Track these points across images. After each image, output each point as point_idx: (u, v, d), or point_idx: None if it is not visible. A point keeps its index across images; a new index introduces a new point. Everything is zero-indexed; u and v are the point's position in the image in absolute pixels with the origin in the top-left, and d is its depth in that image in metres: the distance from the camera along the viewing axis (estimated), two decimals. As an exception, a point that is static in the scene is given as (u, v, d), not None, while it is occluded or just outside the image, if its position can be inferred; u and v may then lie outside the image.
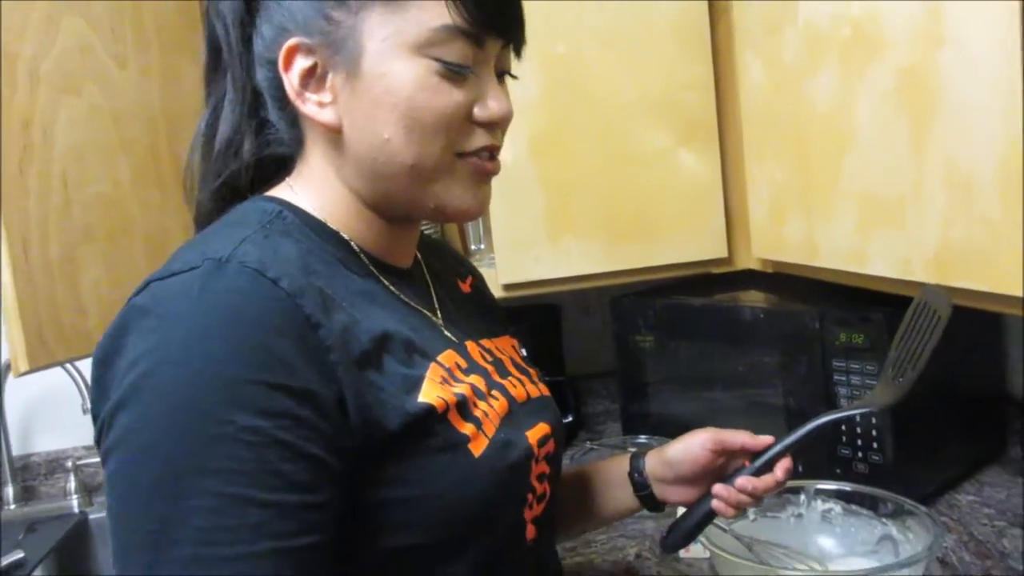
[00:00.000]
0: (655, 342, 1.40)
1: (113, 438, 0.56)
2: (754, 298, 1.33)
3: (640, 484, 0.86)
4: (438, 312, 0.77)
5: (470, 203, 0.70)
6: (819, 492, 1.02)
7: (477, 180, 0.70)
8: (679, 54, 1.31)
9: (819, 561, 0.97)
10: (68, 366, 1.43)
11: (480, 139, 0.68)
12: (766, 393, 1.26)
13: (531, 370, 0.83)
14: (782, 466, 0.79)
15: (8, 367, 1.52)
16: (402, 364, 0.64)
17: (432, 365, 0.67)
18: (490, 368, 0.75)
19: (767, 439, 0.81)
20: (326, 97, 0.66)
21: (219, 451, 0.54)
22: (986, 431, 1.30)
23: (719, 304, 1.34)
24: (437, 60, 0.64)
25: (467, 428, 0.65)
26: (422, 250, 0.81)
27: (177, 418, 0.54)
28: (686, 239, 1.34)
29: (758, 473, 0.79)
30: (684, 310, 1.37)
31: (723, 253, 1.35)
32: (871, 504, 0.99)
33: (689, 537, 0.83)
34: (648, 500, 0.87)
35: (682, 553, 1.10)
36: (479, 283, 0.92)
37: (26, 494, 1.59)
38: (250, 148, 0.71)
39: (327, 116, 0.66)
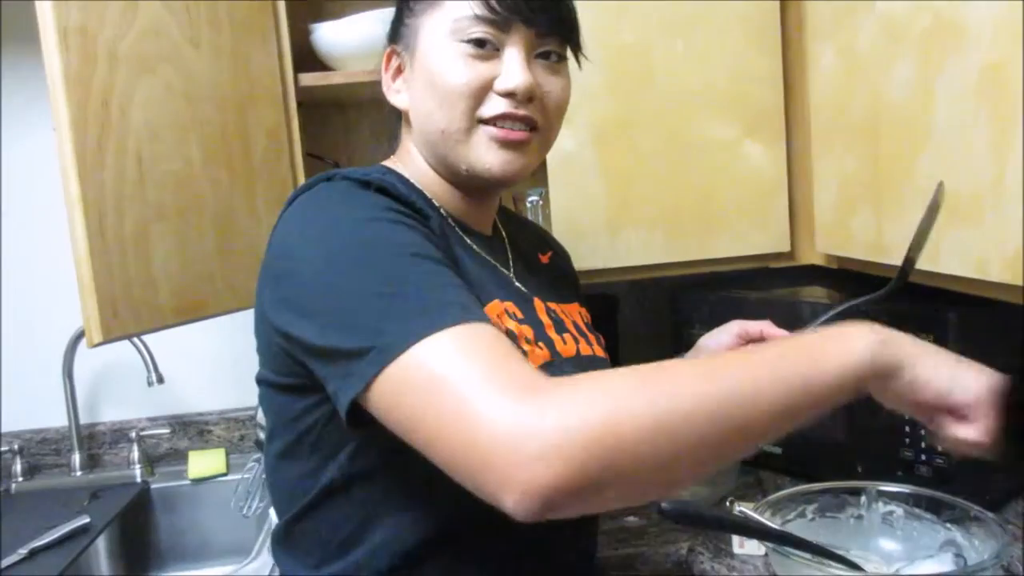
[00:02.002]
0: (713, 335, 1.39)
1: (315, 253, 0.71)
2: (816, 294, 1.31)
3: None
4: (512, 270, 0.91)
5: (491, 163, 0.81)
6: (881, 494, 1.00)
7: (497, 144, 0.81)
8: (747, 43, 1.29)
9: (879, 564, 0.95)
10: (135, 340, 1.47)
11: (497, 106, 0.80)
12: (826, 391, 1.23)
13: (592, 336, 0.93)
14: None
15: (78, 338, 1.57)
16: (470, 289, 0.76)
17: (494, 301, 0.80)
18: (547, 322, 0.86)
19: (784, 331, 0.96)
20: (401, 86, 0.86)
21: (397, 237, 0.70)
22: (1056, 438, 1.26)
23: (779, 298, 1.31)
24: (462, 42, 0.79)
25: None
26: (504, 223, 0.97)
27: (360, 228, 0.71)
28: (748, 232, 1.32)
29: None
30: (743, 304, 1.35)
31: (786, 247, 1.33)
32: (934, 508, 0.96)
33: None
34: None
35: (736, 549, 1.09)
36: (558, 258, 1.07)
37: (91, 462, 1.65)
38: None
39: (402, 102, 0.86)
